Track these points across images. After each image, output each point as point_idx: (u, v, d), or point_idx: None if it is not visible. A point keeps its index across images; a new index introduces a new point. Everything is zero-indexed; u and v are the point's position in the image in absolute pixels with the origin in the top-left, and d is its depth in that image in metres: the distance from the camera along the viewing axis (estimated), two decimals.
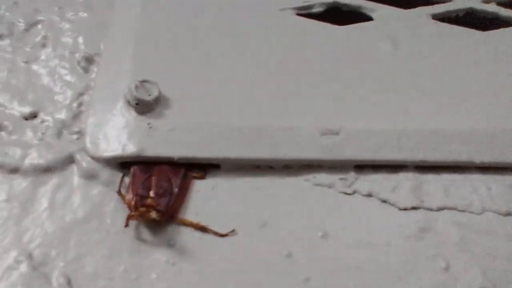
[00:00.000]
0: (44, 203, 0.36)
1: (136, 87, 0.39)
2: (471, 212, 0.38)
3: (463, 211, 0.38)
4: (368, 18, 0.50)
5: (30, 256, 0.33)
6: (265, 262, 0.34)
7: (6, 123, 0.40)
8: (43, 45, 0.45)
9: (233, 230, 0.36)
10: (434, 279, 0.34)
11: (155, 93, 0.39)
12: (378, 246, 0.36)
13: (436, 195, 0.39)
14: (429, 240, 0.36)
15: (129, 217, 0.34)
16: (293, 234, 0.36)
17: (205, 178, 0.39)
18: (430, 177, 0.40)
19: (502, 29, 0.49)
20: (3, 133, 0.39)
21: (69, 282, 0.32)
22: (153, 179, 0.37)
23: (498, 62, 0.46)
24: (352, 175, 0.39)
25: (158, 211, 0.34)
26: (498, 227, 0.37)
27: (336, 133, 0.40)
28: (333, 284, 0.34)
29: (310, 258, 0.35)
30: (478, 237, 0.37)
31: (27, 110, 0.41)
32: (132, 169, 0.37)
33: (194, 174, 0.38)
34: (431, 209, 0.38)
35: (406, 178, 0.39)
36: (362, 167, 0.40)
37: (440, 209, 0.38)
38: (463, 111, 0.42)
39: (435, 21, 0.50)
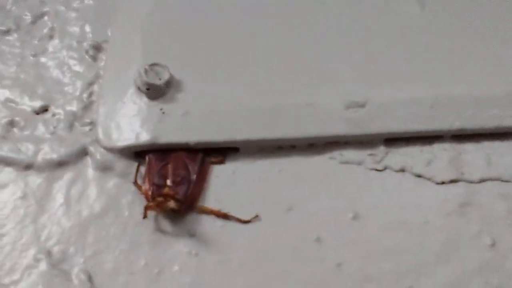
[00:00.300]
0: (59, 199, 0.35)
1: (146, 71, 0.37)
2: None
3: (508, 181, 0.35)
4: None
5: (49, 254, 0.32)
6: (293, 248, 0.32)
7: (17, 118, 0.39)
8: (51, 37, 0.44)
9: (256, 216, 0.33)
10: (480, 257, 0.31)
11: (166, 77, 0.37)
12: (415, 225, 0.33)
13: (477, 165, 0.35)
14: (472, 216, 0.33)
15: (146, 208, 0.32)
16: (321, 217, 0.33)
17: (224, 163, 0.36)
18: (469, 147, 0.36)
19: None
20: (15, 129, 0.38)
21: (89, 278, 0.31)
22: (170, 167, 0.35)
23: None
24: (382, 149, 0.36)
25: (176, 200, 0.32)
26: None
27: (362, 106, 0.37)
28: (368, 268, 0.31)
29: (341, 242, 0.32)
30: None
31: (37, 104, 0.39)
32: (147, 158, 0.35)
33: (213, 159, 0.36)
34: (472, 182, 0.35)
35: (442, 149, 0.36)
36: (393, 140, 0.37)
37: (482, 180, 0.35)
38: (501, 73, 0.38)
39: None
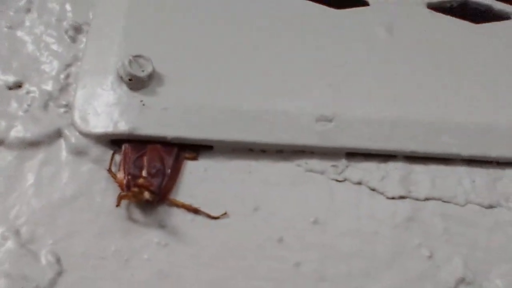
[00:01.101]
0: (30, 178, 0.35)
1: (130, 62, 0.38)
2: (456, 204, 0.39)
3: (448, 202, 0.39)
4: (364, 3, 0.49)
5: (17, 233, 0.33)
6: (257, 246, 0.35)
7: None
8: (28, 10, 0.43)
9: (225, 213, 0.36)
10: (419, 267, 0.36)
11: (149, 69, 0.38)
12: (367, 234, 0.37)
13: (423, 185, 0.40)
14: (415, 230, 0.37)
15: (121, 197, 0.34)
16: (285, 219, 0.36)
17: (197, 160, 0.38)
18: (418, 168, 0.41)
19: (494, 23, 0.49)
20: None
21: (58, 260, 0.32)
22: (146, 159, 0.36)
23: (490, 55, 0.46)
24: (343, 162, 0.40)
25: (151, 191, 0.34)
26: (480, 219, 0.39)
27: (330, 120, 0.40)
28: (323, 269, 0.34)
29: (301, 243, 0.35)
30: (461, 228, 0.38)
31: (11, 79, 0.39)
32: (123, 147, 0.36)
33: (187, 155, 0.38)
34: (418, 199, 0.39)
35: (395, 168, 0.40)
36: (354, 154, 0.40)
37: (426, 199, 0.39)
38: (455, 103, 0.42)
39: (430, 10, 0.50)
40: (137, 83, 0.38)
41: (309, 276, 0.34)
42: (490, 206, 0.40)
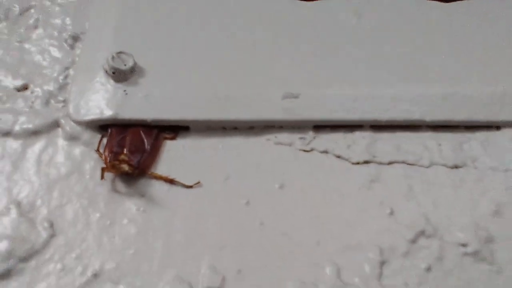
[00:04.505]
0: (32, 161, 0.41)
1: (113, 58, 0.43)
2: (420, 166, 0.41)
3: (412, 164, 0.41)
4: None
5: (18, 204, 0.38)
6: (226, 209, 0.38)
7: (0, 94, 0.44)
8: (35, 27, 0.50)
9: (198, 182, 0.40)
10: (380, 223, 0.38)
11: (130, 63, 0.43)
12: (330, 196, 0.39)
13: (388, 150, 0.42)
14: (378, 190, 0.40)
15: (103, 170, 0.38)
16: (253, 186, 0.40)
17: (176, 139, 0.43)
18: (384, 136, 0.43)
19: (461, 1, 0.51)
20: None
21: (51, 225, 0.37)
22: (128, 139, 0.41)
23: (457, 33, 0.48)
24: (310, 134, 0.43)
25: (129, 164, 0.39)
26: (444, 178, 0.40)
27: (296, 97, 0.43)
28: (285, 227, 0.37)
29: (266, 206, 0.38)
30: (424, 186, 0.40)
31: (19, 83, 0.45)
32: (109, 130, 0.41)
33: (166, 135, 0.42)
34: (382, 163, 0.41)
35: (361, 137, 0.43)
36: (321, 127, 0.43)
37: (390, 163, 0.41)
38: (415, 77, 0.45)
39: None
40: (120, 75, 0.43)
41: (271, 233, 0.37)
42: (456, 167, 0.41)
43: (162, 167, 0.41)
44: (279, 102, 0.43)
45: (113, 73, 0.43)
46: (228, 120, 0.43)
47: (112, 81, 0.43)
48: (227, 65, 0.45)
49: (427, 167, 0.41)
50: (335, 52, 0.47)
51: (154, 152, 0.41)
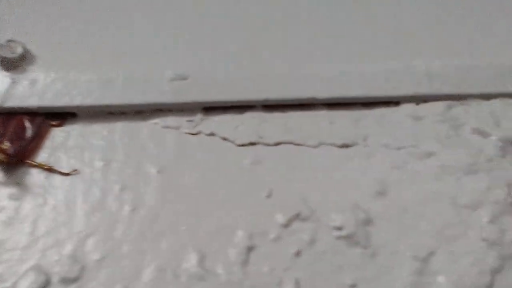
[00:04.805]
0: None
1: (2, 46, 0.43)
2: (308, 146, 0.39)
3: (300, 145, 0.39)
4: None
5: None
6: (99, 196, 0.37)
7: None
8: None
9: (75, 170, 0.39)
10: (255, 207, 0.36)
11: (19, 51, 0.43)
12: (210, 179, 0.38)
13: (276, 131, 0.40)
14: (259, 172, 0.38)
15: None
16: (131, 171, 0.39)
17: (63, 126, 0.42)
18: (275, 115, 0.41)
19: None
20: None
21: None
22: (10, 127, 0.40)
23: (354, 10, 0.46)
24: (199, 117, 0.41)
25: (5, 153, 0.38)
26: (331, 158, 0.38)
27: (185, 78, 0.42)
28: (158, 214, 0.36)
29: (141, 191, 0.37)
30: (307, 168, 0.38)
31: None
32: None
33: (52, 123, 0.42)
34: (268, 144, 0.39)
35: (251, 117, 0.41)
36: (211, 109, 0.42)
37: (277, 143, 0.39)
38: (308, 54, 0.43)
39: None
40: (8, 64, 0.43)
41: (142, 219, 0.36)
42: (345, 146, 0.39)
43: (44, 154, 0.40)
44: (167, 84, 0.42)
45: (1, 61, 0.43)
46: (114, 105, 0.41)
47: (0, 70, 0.43)
48: (113, 48, 0.44)
49: (315, 147, 0.39)
50: (222, 32, 0.45)
51: (38, 139, 0.41)
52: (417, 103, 0.41)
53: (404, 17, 0.44)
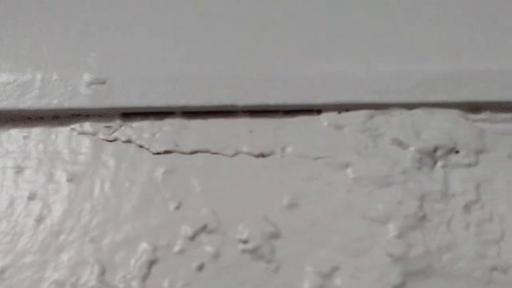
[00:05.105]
0: None
1: None
2: (224, 155, 0.38)
3: (216, 153, 0.38)
4: None
5: None
6: (7, 204, 0.37)
7: None
8: None
9: None
10: (163, 218, 0.35)
11: None
12: (125, 187, 0.37)
13: (193, 139, 0.39)
14: (171, 182, 0.37)
15: None
16: (43, 178, 0.38)
17: None
18: (194, 122, 0.40)
19: None
20: None
21: None
22: None
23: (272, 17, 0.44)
24: (117, 122, 0.40)
25: None
26: (246, 168, 0.38)
27: (103, 82, 0.41)
28: (64, 224, 0.35)
29: (50, 200, 0.37)
30: (221, 178, 0.37)
31: None
32: None
33: None
34: (184, 153, 0.39)
35: (170, 124, 0.40)
36: (132, 115, 0.41)
37: (193, 152, 0.39)
38: (230, 58, 0.41)
39: None
40: None
41: (48, 229, 0.35)
42: (262, 155, 0.38)
43: None
44: (84, 89, 0.40)
45: None
46: (31, 110, 0.40)
47: None
48: (30, 50, 0.43)
49: (232, 156, 0.38)
50: (141, 35, 0.43)
51: None
52: (339, 112, 0.40)
53: (328, 22, 0.43)
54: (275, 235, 0.34)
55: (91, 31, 0.43)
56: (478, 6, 0.43)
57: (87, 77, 0.41)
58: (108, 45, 0.42)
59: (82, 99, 0.40)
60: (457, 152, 0.37)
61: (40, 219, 0.36)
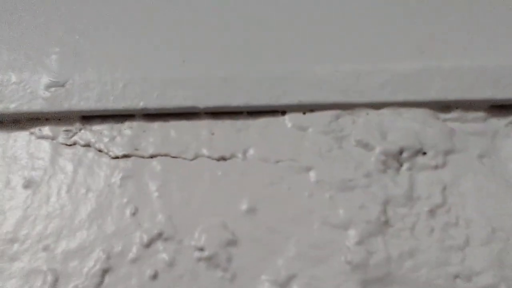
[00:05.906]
0: None
1: None
2: (184, 158, 0.37)
3: (176, 157, 0.37)
4: None
5: None
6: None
7: None
8: None
9: None
10: (118, 225, 0.35)
11: None
12: (82, 193, 0.36)
13: (153, 142, 0.38)
14: (128, 188, 0.36)
15: None
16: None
17: None
18: (155, 125, 0.39)
19: None
20: None
21: None
22: None
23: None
24: (77, 126, 0.39)
25: None
26: (205, 172, 0.37)
27: (62, 85, 0.40)
28: (18, 232, 0.35)
29: (7, 205, 0.36)
30: (179, 183, 0.36)
31: None
32: None
33: None
34: (143, 157, 0.38)
35: (129, 127, 0.39)
36: (92, 118, 0.40)
37: (152, 156, 0.38)
38: (187, 61, 0.40)
39: None
40: None
41: (2, 238, 0.34)
42: (223, 159, 0.37)
43: None
44: (42, 92, 0.39)
45: None
46: None
47: None
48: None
49: (191, 159, 0.37)
50: (100, 37, 0.42)
51: None
52: (304, 113, 0.38)
53: (291, 21, 0.41)
54: (232, 242, 0.33)
55: (50, 33, 0.42)
56: (446, 2, 0.41)
57: (46, 79, 0.40)
58: (68, 47, 0.41)
59: (41, 103, 0.39)
60: (424, 153, 0.36)
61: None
